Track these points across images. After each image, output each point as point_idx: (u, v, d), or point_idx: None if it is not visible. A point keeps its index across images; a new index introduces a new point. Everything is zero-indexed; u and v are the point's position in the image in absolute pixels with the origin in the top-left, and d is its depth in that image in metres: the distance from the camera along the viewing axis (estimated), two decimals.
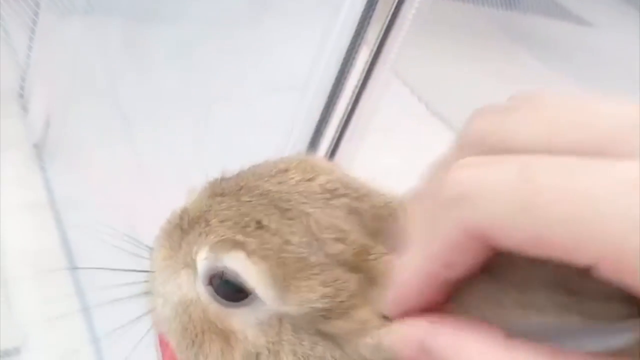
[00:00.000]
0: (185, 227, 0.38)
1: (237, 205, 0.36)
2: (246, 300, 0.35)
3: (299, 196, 0.36)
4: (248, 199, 0.36)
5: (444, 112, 2.39)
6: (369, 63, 0.73)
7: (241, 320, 0.36)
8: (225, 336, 0.36)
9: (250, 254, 0.34)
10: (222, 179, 0.40)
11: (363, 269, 0.33)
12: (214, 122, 1.09)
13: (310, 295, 0.33)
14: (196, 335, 0.37)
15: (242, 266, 0.34)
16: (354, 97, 0.74)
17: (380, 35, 0.71)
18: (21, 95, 1.79)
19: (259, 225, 0.34)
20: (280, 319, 0.35)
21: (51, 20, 1.68)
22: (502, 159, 0.24)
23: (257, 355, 0.35)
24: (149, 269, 0.42)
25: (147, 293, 0.41)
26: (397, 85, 2.38)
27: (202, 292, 0.37)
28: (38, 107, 1.70)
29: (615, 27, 2.95)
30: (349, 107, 0.75)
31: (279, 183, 0.37)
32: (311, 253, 0.33)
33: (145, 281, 0.42)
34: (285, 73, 0.85)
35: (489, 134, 0.26)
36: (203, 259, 0.36)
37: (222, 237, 0.35)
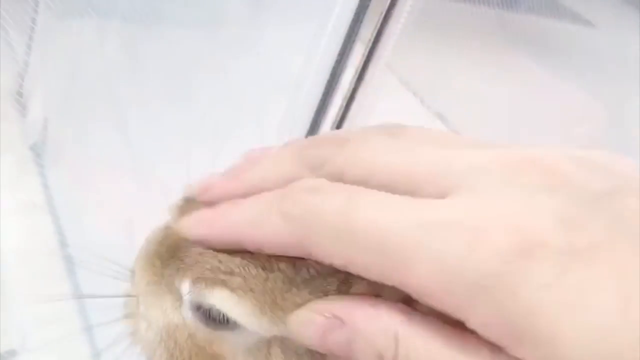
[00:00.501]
0: (165, 259, 0.37)
1: (213, 253, 0.35)
2: (233, 325, 0.35)
3: None
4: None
5: (443, 112, 2.39)
6: (363, 60, 0.72)
7: (230, 344, 0.35)
8: None
9: (234, 290, 0.33)
10: (187, 203, 0.39)
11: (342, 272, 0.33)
12: (210, 121, 1.08)
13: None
14: None
15: (226, 304, 0.34)
16: (348, 95, 0.74)
17: (375, 32, 0.71)
18: (20, 97, 1.79)
19: (242, 257, 0.34)
20: (269, 342, 0.34)
21: (50, 22, 1.67)
22: (335, 189, 0.29)
23: None
24: (130, 293, 0.41)
25: (128, 315, 0.41)
26: (397, 86, 2.38)
27: (188, 317, 0.36)
28: (37, 108, 1.70)
29: (617, 28, 2.95)
30: (344, 105, 0.74)
31: None
32: (296, 274, 0.33)
33: (126, 303, 0.41)
34: (280, 72, 0.85)
35: (328, 161, 0.31)
36: (186, 293, 0.35)
37: (203, 275, 0.34)
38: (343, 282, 0.33)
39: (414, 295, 0.26)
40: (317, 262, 0.33)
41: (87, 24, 1.54)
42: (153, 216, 0.41)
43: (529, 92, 2.42)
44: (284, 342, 0.34)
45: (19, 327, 1.32)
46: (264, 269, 0.33)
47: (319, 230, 0.28)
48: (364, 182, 0.29)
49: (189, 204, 0.38)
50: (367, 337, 0.28)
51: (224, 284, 0.33)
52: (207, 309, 0.35)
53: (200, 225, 0.34)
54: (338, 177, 0.30)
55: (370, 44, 0.71)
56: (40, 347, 1.31)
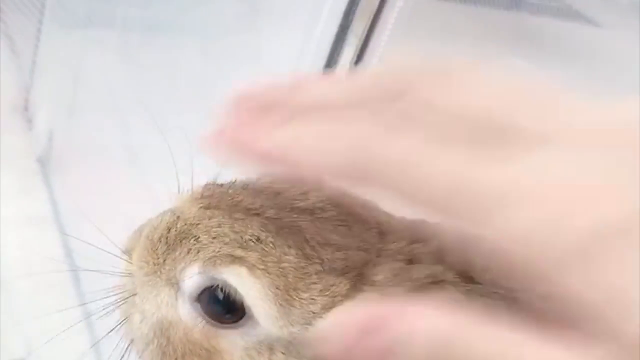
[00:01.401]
0: (172, 242, 0.36)
1: (230, 223, 0.35)
2: (235, 324, 0.34)
3: (291, 213, 0.36)
4: (242, 217, 0.35)
5: None
6: (355, 58, 0.72)
7: (228, 341, 0.35)
8: (209, 358, 0.35)
9: (251, 268, 0.33)
10: (207, 189, 0.38)
11: (353, 270, 0.33)
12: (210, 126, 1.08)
13: (312, 308, 0.33)
14: (176, 359, 0.36)
15: (243, 282, 0.33)
16: None
17: (366, 30, 0.70)
18: (26, 110, 1.80)
19: (258, 240, 0.34)
20: (272, 347, 0.34)
21: (54, 34, 1.69)
22: (415, 136, 0.26)
23: None
24: (126, 279, 0.40)
25: (124, 298, 0.40)
26: None
27: (185, 312, 0.36)
28: (42, 120, 1.71)
29: (622, 28, 2.92)
30: None
31: (271, 201, 0.37)
32: (308, 264, 0.33)
33: (123, 292, 0.40)
34: (274, 72, 0.85)
35: (410, 93, 0.28)
36: (196, 274, 0.35)
37: (219, 252, 0.34)
38: (357, 278, 0.33)
39: (490, 252, 0.25)
40: (329, 258, 0.33)
41: (90, 35, 1.56)
42: None
43: None
44: (288, 348, 0.33)
45: (25, 338, 1.32)
46: (280, 253, 0.33)
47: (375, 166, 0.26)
48: (453, 120, 0.26)
49: (200, 197, 0.38)
50: (414, 340, 0.25)
51: (241, 261, 0.33)
52: (209, 299, 0.34)
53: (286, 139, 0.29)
54: (423, 110, 0.27)
55: (360, 42, 0.71)
56: (47, 357, 1.31)
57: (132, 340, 0.40)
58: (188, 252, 0.35)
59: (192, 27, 1.23)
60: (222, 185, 0.39)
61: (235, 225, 0.35)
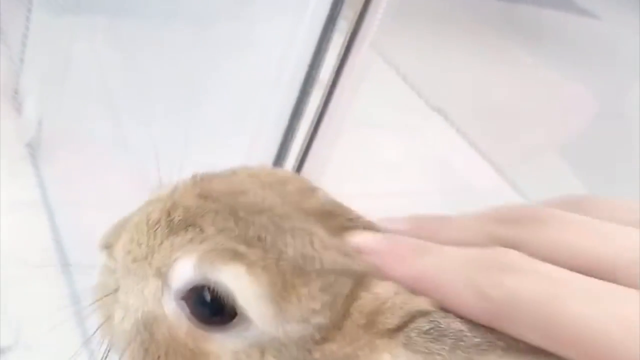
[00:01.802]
0: (175, 226, 0.34)
1: (235, 219, 0.34)
2: (224, 326, 0.33)
3: (298, 212, 0.35)
4: (244, 215, 0.34)
5: (435, 100, 2.37)
6: (345, 46, 0.71)
7: (216, 345, 0.33)
8: (194, 359, 0.33)
9: (250, 266, 0.32)
10: (212, 179, 0.37)
11: (353, 274, 0.33)
12: (204, 114, 1.08)
13: (311, 305, 0.31)
14: (158, 357, 0.34)
15: (239, 283, 0.32)
16: (331, 80, 0.73)
17: (357, 15, 0.70)
18: (15, 94, 1.79)
19: (259, 238, 0.33)
20: (263, 350, 0.32)
21: (44, 19, 1.67)
22: (535, 271, 0.28)
23: None
24: (106, 275, 0.38)
25: (101, 301, 0.38)
26: (387, 72, 2.37)
27: (171, 309, 0.34)
28: (31, 105, 1.70)
29: (620, 20, 2.92)
30: (326, 92, 0.74)
31: (278, 198, 0.36)
32: (307, 264, 0.32)
33: (101, 286, 0.39)
34: (263, 60, 0.84)
35: (523, 244, 0.30)
36: (189, 268, 0.33)
37: (222, 246, 0.32)
38: (358, 283, 0.32)
39: None
40: (331, 259, 0.33)
41: (80, 20, 1.54)
42: None
43: (527, 83, 2.40)
44: (280, 351, 0.32)
45: (13, 324, 1.31)
46: (279, 250, 0.32)
47: (518, 315, 0.28)
48: (563, 266, 0.28)
49: (203, 187, 0.36)
50: None
51: (241, 258, 0.32)
52: (196, 299, 0.33)
53: (390, 253, 0.33)
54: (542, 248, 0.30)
55: (351, 28, 0.70)
56: (35, 343, 1.31)
57: (112, 341, 0.37)
58: (190, 241, 0.33)
59: (183, 13, 1.22)
60: (220, 174, 0.38)
61: (240, 222, 0.33)
